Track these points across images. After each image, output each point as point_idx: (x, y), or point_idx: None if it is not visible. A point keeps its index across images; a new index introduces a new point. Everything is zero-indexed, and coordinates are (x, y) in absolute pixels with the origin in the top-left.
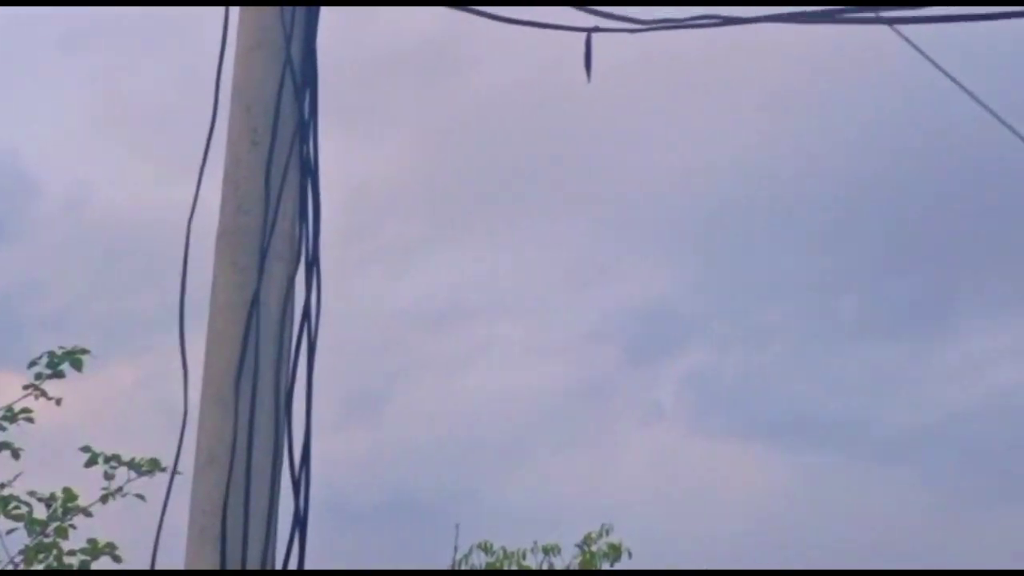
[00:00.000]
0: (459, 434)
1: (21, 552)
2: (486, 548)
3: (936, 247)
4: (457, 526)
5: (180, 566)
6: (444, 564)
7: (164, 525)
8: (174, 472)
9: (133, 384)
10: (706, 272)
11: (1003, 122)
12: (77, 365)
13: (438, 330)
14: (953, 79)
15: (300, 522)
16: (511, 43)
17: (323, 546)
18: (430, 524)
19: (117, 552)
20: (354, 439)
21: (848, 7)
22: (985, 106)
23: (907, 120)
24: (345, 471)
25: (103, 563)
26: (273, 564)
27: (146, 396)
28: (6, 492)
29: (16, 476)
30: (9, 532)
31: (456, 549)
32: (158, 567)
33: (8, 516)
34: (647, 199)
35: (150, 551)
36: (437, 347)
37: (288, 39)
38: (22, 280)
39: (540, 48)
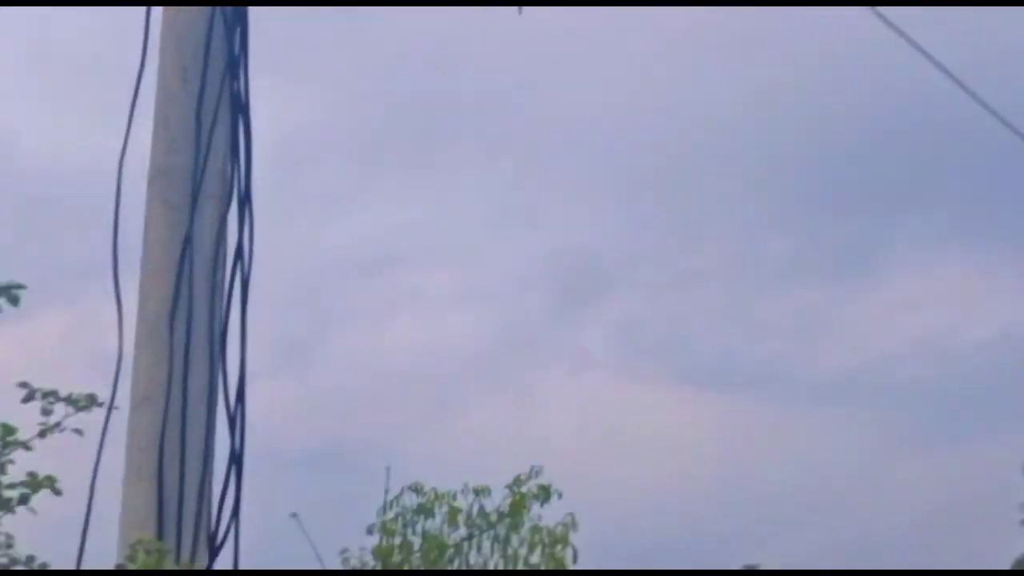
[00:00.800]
0: (388, 381)
1: None
2: (417, 489)
3: (868, 191)
4: (388, 468)
5: (118, 500)
6: (375, 506)
7: (102, 460)
8: (110, 409)
9: (64, 332)
10: (634, 216)
11: (945, 71)
12: (13, 301)
13: (366, 278)
14: (905, 36)
15: (236, 459)
16: None
17: (256, 492)
18: (360, 470)
19: (57, 485)
20: (283, 386)
21: None
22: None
23: (843, 67)
24: (274, 418)
25: (43, 496)
26: (210, 501)
27: (77, 344)
28: None
29: None
30: None
31: (387, 491)
32: (95, 504)
33: None
34: (571, 144)
35: (89, 485)
36: (365, 295)
37: None
38: None
39: None
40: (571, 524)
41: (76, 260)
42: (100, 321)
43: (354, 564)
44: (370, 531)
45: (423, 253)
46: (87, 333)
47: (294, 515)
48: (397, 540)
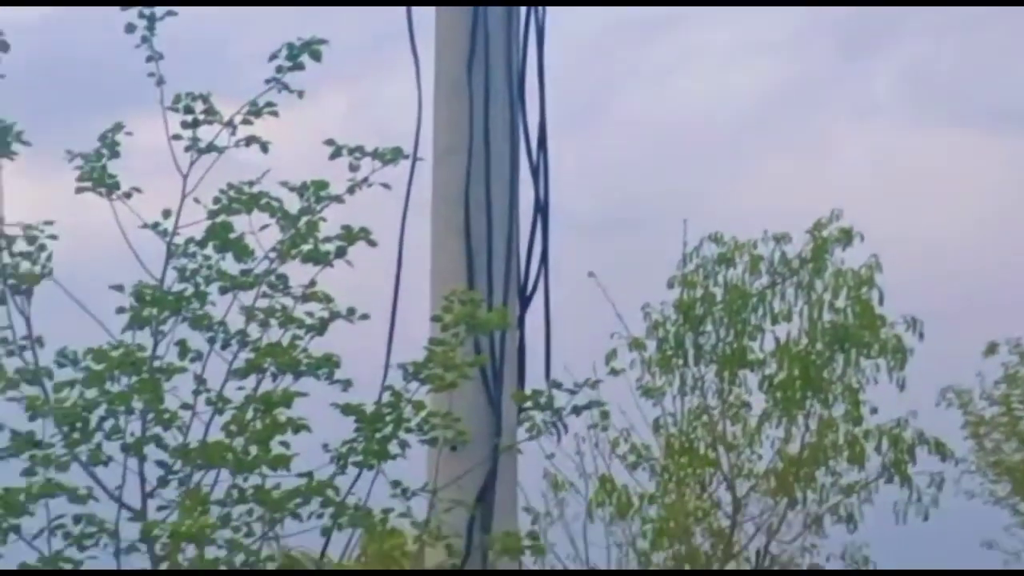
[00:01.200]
0: (674, 140)
1: (275, 249)
2: (717, 239)
3: None
4: (685, 221)
5: (428, 252)
6: (673, 260)
7: (409, 212)
8: (415, 160)
9: (346, 111)
10: None
11: None
12: (316, 56)
13: (644, 38)
14: None
15: (541, 209)
16: None
17: (552, 254)
18: (654, 231)
19: (372, 237)
20: (570, 151)
21: None
22: None
23: None
24: (564, 184)
25: (359, 247)
26: (517, 255)
27: (360, 122)
28: (255, 189)
29: (265, 172)
30: (261, 228)
31: (685, 244)
32: (405, 255)
33: (261, 209)
34: None
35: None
36: (645, 55)
37: None
38: (230, 16)
39: None
40: (875, 266)
41: (355, 38)
42: (382, 98)
43: (655, 319)
44: (670, 285)
45: (703, 9)
46: (370, 111)
47: (591, 274)
48: (699, 292)
